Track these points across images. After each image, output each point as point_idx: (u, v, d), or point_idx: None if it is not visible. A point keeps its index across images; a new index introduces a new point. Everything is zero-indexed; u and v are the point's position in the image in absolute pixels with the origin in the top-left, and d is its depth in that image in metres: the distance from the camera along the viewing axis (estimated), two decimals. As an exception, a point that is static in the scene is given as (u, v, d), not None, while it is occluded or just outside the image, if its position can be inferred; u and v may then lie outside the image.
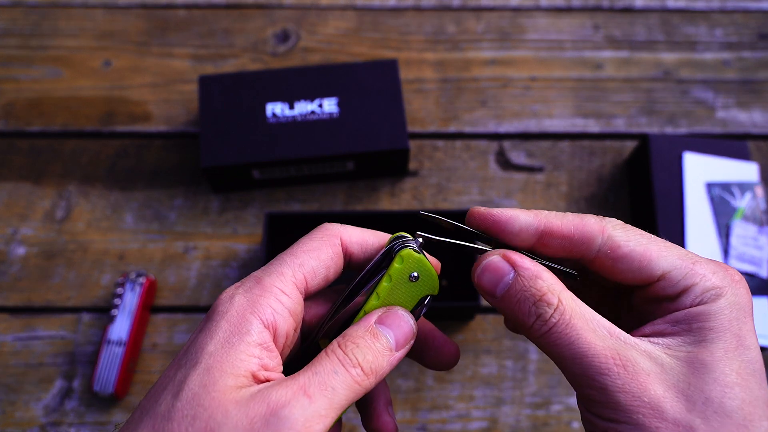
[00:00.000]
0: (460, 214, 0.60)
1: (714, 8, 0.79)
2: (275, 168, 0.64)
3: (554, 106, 0.73)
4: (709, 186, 0.63)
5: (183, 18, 0.77)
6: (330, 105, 0.64)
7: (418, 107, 0.72)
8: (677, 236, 0.60)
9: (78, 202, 0.67)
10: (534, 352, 0.61)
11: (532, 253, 0.31)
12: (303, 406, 0.26)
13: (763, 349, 0.58)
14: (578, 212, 0.31)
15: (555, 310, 0.28)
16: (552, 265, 0.31)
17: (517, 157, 0.70)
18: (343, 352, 0.28)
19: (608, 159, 0.70)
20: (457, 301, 0.60)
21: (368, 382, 0.29)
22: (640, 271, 0.29)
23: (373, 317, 0.31)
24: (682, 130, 0.72)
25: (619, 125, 0.72)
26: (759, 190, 0.63)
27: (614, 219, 0.30)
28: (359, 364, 0.28)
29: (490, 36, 0.77)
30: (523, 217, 0.30)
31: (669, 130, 0.72)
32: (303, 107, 0.64)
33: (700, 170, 0.63)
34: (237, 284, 0.30)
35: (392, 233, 0.34)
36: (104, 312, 0.62)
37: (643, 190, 0.64)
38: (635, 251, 0.29)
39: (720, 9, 0.79)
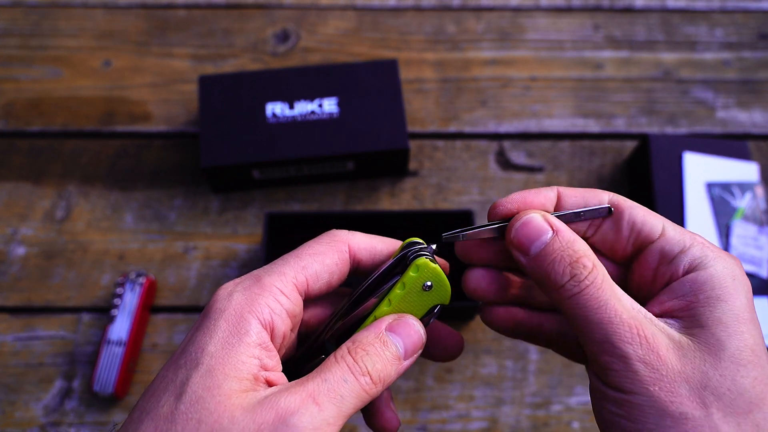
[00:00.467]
0: (462, 214, 0.60)
1: (714, 8, 0.79)
2: (275, 168, 0.64)
3: (554, 106, 0.73)
4: (709, 186, 0.63)
5: (183, 18, 0.77)
6: (330, 105, 0.64)
7: (418, 107, 0.72)
8: (677, 236, 0.60)
9: (78, 202, 0.67)
10: (534, 352, 0.61)
11: None
12: (312, 413, 0.26)
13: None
14: None
15: (590, 273, 0.28)
16: (583, 210, 0.31)
17: (517, 157, 0.70)
18: (353, 359, 0.28)
19: (608, 159, 0.70)
20: (457, 301, 0.60)
21: (375, 391, 0.29)
22: (644, 223, 0.30)
23: (384, 324, 0.31)
24: (682, 130, 0.72)
25: (619, 125, 0.72)
26: (759, 190, 0.63)
27: None
28: (368, 373, 0.28)
29: (490, 36, 0.77)
30: (544, 192, 0.32)
31: (669, 130, 0.72)
32: (303, 107, 0.64)
33: (700, 170, 0.63)
34: (236, 281, 0.30)
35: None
36: (104, 312, 0.62)
37: (643, 190, 0.64)
38: (638, 210, 0.31)
39: (720, 9, 0.79)
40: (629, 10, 0.79)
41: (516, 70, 0.75)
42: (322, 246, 0.32)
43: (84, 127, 0.71)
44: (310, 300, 0.33)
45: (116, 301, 0.59)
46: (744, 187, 0.63)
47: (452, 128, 0.71)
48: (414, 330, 0.31)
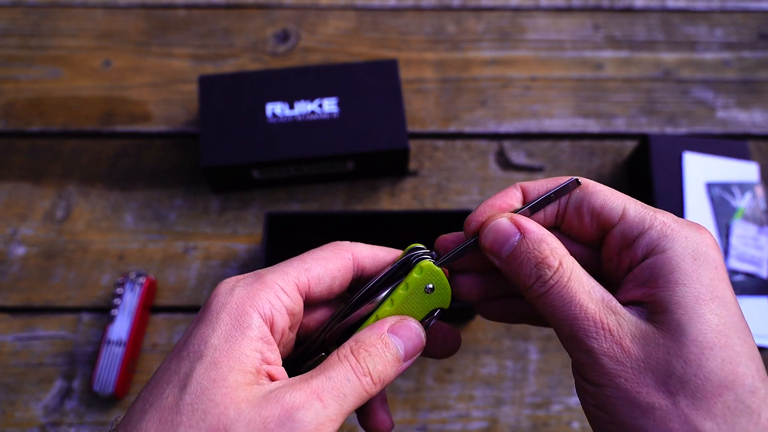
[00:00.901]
0: (462, 214, 0.60)
1: (714, 8, 0.79)
2: (275, 168, 0.64)
3: (554, 106, 0.73)
4: (709, 186, 0.63)
5: (183, 18, 0.77)
6: (330, 105, 0.64)
7: (418, 107, 0.72)
8: (677, 236, 0.60)
9: (78, 202, 0.67)
10: (534, 352, 0.61)
11: None
12: (317, 410, 0.26)
13: (763, 349, 0.58)
14: None
15: (555, 272, 0.28)
16: (552, 191, 0.31)
17: (517, 157, 0.70)
18: (356, 359, 0.29)
19: (608, 159, 0.70)
20: (457, 301, 0.60)
21: (375, 390, 0.29)
22: (603, 208, 0.30)
23: (386, 325, 0.31)
24: (682, 130, 0.72)
25: (619, 125, 0.72)
26: (759, 190, 0.63)
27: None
28: (369, 373, 0.29)
29: (490, 36, 0.77)
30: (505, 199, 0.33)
31: (669, 130, 0.72)
32: (303, 107, 0.64)
33: (700, 170, 0.63)
34: (237, 277, 0.31)
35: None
36: (104, 312, 0.62)
37: (643, 190, 0.64)
38: (601, 191, 0.31)
39: (720, 9, 0.79)
40: (629, 10, 0.79)
41: (516, 70, 0.75)
42: (326, 252, 0.33)
43: (84, 127, 0.71)
44: (310, 304, 0.33)
45: (116, 301, 0.59)
46: (744, 187, 0.63)
47: (452, 128, 0.71)
48: (415, 332, 0.31)
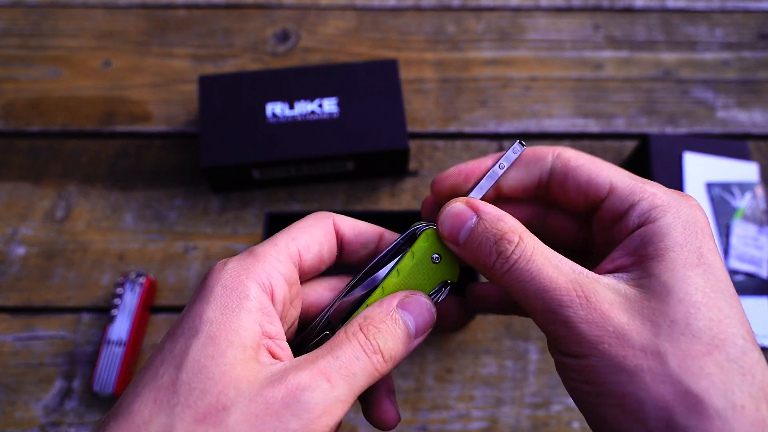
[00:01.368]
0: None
1: (714, 8, 0.79)
2: (275, 168, 0.64)
3: (554, 106, 0.73)
4: (709, 186, 0.63)
5: (183, 18, 0.77)
6: (330, 105, 0.64)
7: (418, 107, 0.72)
8: (677, 236, 0.60)
9: (78, 202, 0.67)
10: (534, 352, 0.61)
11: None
12: (324, 391, 0.25)
13: (763, 349, 0.58)
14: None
15: (516, 246, 0.27)
16: (502, 160, 0.32)
17: (517, 157, 0.70)
18: (365, 336, 0.28)
19: (608, 159, 0.70)
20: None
21: (386, 369, 0.28)
22: (589, 184, 0.30)
23: (395, 300, 0.30)
24: (682, 130, 0.72)
25: (619, 125, 0.72)
26: (759, 190, 0.63)
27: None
28: (380, 351, 0.28)
29: (490, 36, 0.77)
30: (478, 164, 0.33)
31: (669, 130, 0.72)
32: (303, 107, 0.64)
33: (700, 170, 0.63)
34: (229, 257, 0.30)
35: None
36: (104, 312, 0.62)
37: (643, 190, 0.64)
38: (584, 165, 0.30)
39: (720, 9, 0.79)
40: (629, 10, 0.79)
41: (516, 70, 0.75)
42: (309, 221, 0.32)
43: (84, 127, 0.71)
44: (306, 279, 0.33)
45: (116, 301, 0.59)
46: (744, 187, 0.63)
47: (452, 128, 0.71)
48: (426, 308, 0.30)
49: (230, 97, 0.65)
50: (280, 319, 0.29)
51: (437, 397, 0.59)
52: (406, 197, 0.68)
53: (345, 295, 0.32)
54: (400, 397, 0.59)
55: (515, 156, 0.32)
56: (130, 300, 0.59)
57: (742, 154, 0.65)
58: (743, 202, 0.62)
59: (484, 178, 0.32)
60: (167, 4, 0.78)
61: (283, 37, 0.77)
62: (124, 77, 0.74)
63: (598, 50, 0.76)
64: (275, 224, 0.61)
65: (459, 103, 0.73)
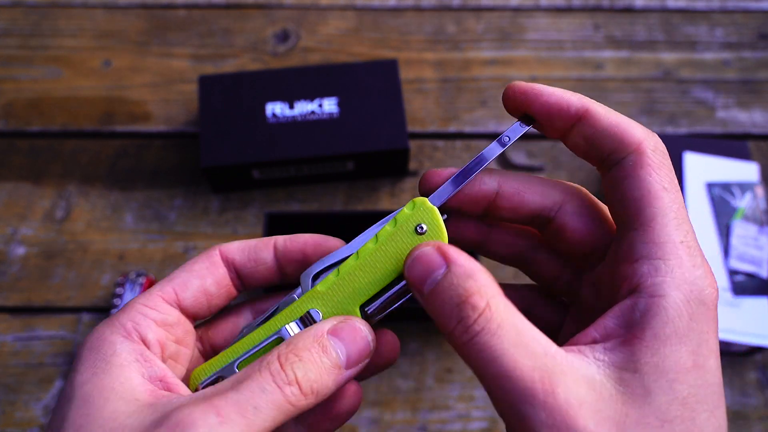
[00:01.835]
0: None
1: (714, 8, 0.79)
2: (275, 168, 0.64)
3: (554, 106, 0.73)
4: (710, 186, 0.63)
5: (183, 18, 0.77)
6: (330, 105, 0.64)
7: (418, 107, 0.72)
8: (677, 236, 0.60)
9: (78, 202, 0.67)
10: (534, 352, 0.61)
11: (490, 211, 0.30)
12: (210, 426, 0.22)
13: (763, 349, 0.58)
14: None
15: (480, 315, 0.23)
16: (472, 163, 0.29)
17: (518, 156, 0.70)
18: (280, 365, 0.25)
19: (608, 159, 0.70)
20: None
21: (305, 403, 0.25)
22: (618, 126, 0.28)
23: (326, 326, 0.27)
24: (682, 130, 0.72)
25: (619, 125, 0.72)
26: (759, 190, 0.63)
27: None
28: (297, 381, 0.25)
29: (490, 36, 0.77)
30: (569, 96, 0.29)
31: (669, 130, 0.72)
32: (303, 107, 0.64)
33: (700, 170, 0.63)
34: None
35: None
36: (104, 312, 0.62)
37: (643, 190, 0.64)
38: (612, 115, 0.28)
39: (720, 9, 0.79)
40: (629, 10, 0.79)
41: (516, 70, 0.75)
42: (194, 259, 0.32)
43: (84, 127, 0.71)
44: (205, 318, 0.32)
45: (116, 301, 0.59)
46: (744, 187, 0.63)
47: (452, 128, 0.71)
48: (360, 335, 0.27)
49: (230, 97, 0.65)
50: (164, 360, 0.28)
51: (437, 397, 0.59)
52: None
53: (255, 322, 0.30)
54: (400, 397, 0.59)
55: (523, 130, 0.29)
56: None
57: (742, 154, 0.65)
58: (743, 202, 0.62)
59: (474, 158, 0.30)
60: (167, 4, 0.78)
61: (283, 37, 0.77)
62: (124, 77, 0.74)
63: (598, 50, 0.76)
64: (275, 224, 0.61)
65: (459, 103, 0.73)
